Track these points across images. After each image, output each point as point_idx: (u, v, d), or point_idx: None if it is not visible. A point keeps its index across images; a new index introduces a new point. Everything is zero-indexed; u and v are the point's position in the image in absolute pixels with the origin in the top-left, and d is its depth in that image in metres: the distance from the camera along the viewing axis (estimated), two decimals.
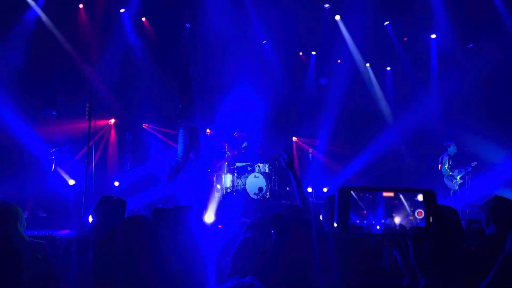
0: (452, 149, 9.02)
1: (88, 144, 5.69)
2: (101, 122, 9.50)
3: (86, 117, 5.81)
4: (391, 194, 0.93)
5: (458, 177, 8.90)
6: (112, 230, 1.47)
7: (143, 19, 10.48)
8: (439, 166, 9.14)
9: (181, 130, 6.99)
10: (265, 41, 11.66)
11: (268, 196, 9.18)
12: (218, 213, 6.59)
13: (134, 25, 10.16)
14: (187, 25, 10.82)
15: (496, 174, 9.05)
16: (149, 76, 9.84)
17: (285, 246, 2.13)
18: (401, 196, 0.94)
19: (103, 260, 1.48)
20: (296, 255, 2.04)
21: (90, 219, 4.02)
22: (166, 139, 10.54)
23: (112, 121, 10.05)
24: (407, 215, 0.93)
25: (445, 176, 9.05)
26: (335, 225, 0.93)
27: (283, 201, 9.69)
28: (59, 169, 7.01)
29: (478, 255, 2.26)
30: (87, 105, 5.83)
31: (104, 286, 1.41)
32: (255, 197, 8.92)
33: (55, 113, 6.61)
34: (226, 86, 10.41)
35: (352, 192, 0.93)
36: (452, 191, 8.96)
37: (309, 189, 10.81)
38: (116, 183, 9.42)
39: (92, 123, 5.82)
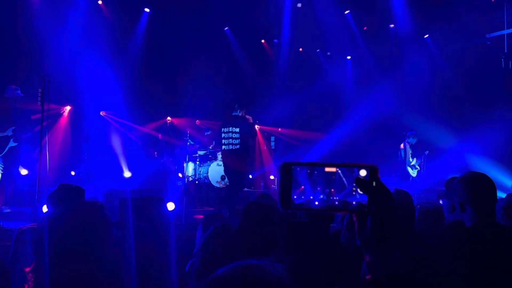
0: (412, 139, 9.30)
1: (41, 132, 5.41)
2: (55, 107, 9.10)
3: (39, 103, 5.51)
4: (333, 169, 0.93)
5: (416, 164, 9.23)
6: (66, 217, 1.38)
7: (99, 2, 10.07)
8: (402, 154, 9.40)
9: None
10: (226, 28, 11.52)
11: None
12: (179, 201, 6.50)
13: (91, 9, 9.73)
14: (146, 9, 10.49)
15: (449, 160, 9.47)
16: (107, 62, 9.48)
17: (248, 232, 2.12)
18: (343, 171, 0.93)
19: (58, 249, 1.38)
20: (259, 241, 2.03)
21: (45, 208, 3.85)
22: (124, 128, 10.26)
23: (68, 108, 9.65)
24: (350, 191, 0.93)
25: (407, 165, 9.32)
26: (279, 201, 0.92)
27: (245, 188, 9.70)
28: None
29: (433, 240, 2.32)
30: (40, 90, 5.53)
31: (59, 275, 1.33)
32: (217, 185, 8.87)
33: (20, 92, 6.09)
34: (188, 73, 10.24)
35: (294, 168, 0.92)
36: (411, 177, 9.27)
37: (272, 177, 10.90)
38: (72, 172, 9.09)
39: (46, 110, 5.53)
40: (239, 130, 6.94)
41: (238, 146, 6.92)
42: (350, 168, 0.93)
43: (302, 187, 0.92)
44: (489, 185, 2.01)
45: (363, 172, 0.92)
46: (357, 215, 0.93)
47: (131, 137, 10.24)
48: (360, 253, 0.93)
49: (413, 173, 9.27)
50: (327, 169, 0.93)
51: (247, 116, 7.13)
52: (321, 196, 0.92)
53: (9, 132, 6.03)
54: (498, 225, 2.00)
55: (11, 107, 6.06)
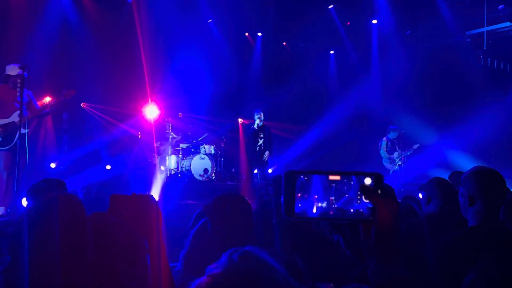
0: (393, 134, 9.43)
1: (20, 122, 5.29)
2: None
3: (18, 94, 5.38)
4: (337, 177, 0.92)
5: (397, 159, 9.35)
6: (41, 211, 1.30)
7: None
8: (379, 148, 9.56)
9: None
10: (210, 20, 11.43)
11: (213, 177, 9.14)
12: (162, 195, 6.46)
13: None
14: (128, 0, 10.32)
15: (429, 155, 9.64)
16: (88, 53, 9.30)
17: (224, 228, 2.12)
18: (348, 179, 0.93)
19: (36, 243, 1.32)
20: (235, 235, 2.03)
21: (24, 202, 3.78)
22: (106, 119, 10.12)
23: (48, 99, 9.44)
24: (355, 199, 0.92)
25: (383, 158, 9.48)
26: (282, 209, 0.92)
27: (228, 182, 9.71)
28: None
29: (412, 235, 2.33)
30: (18, 81, 5.40)
31: (37, 271, 1.27)
32: (200, 178, 8.85)
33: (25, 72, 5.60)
34: (170, 66, 10.14)
35: (297, 176, 0.92)
36: (390, 171, 9.41)
37: (255, 170, 10.90)
38: (53, 165, 8.93)
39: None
40: None
41: None
42: (351, 176, 0.92)
43: (299, 194, 0.92)
44: (501, 181, 2.00)
45: (368, 180, 0.91)
46: (363, 224, 0.93)
47: (113, 127, 10.11)
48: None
49: (391, 167, 9.39)
50: (331, 177, 0.92)
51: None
52: (320, 204, 0.92)
53: (15, 118, 5.36)
54: (501, 225, 1.98)
55: (12, 88, 5.42)
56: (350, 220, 0.93)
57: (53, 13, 9.02)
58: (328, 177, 0.92)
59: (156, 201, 1.45)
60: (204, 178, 8.85)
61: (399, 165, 9.37)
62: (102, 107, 9.98)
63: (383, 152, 9.48)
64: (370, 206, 0.91)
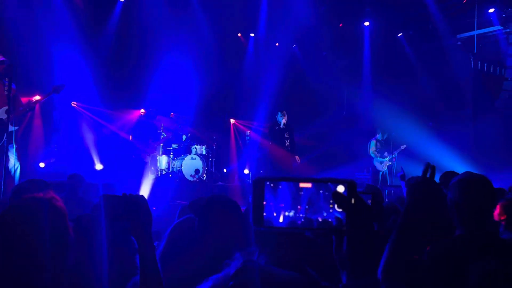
0: (381, 134, 9.48)
1: (8, 122, 5.23)
2: (24, 99, 8.79)
3: (6, 92, 5.32)
4: (308, 185, 0.87)
5: (386, 159, 9.38)
6: (10, 213, 1.25)
7: None
8: (368, 149, 9.60)
9: None
10: (203, 20, 11.39)
11: (204, 178, 9.11)
12: (152, 195, 6.42)
13: None
14: None
15: (418, 157, 9.70)
16: (80, 52, 9.21)
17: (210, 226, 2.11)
18: (318, 187, 0.88)
19: (9, 243, 1.27)
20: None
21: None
22: (97, 119, 10.04)
23: (37, 98, 9.33)
24: (324, 208, 0.87)
25: (374, 159, 9.53)
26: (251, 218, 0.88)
27: (219, 182, 9.68)
28: None
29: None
30: (6, 79, 5.34)
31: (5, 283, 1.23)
32: (191, 179, 8.81)
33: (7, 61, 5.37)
34: (162, 66, 10.09)
35: (267, 183, 0.87)
36: (380, 172, 9.44)
37: (246, 171, 10.90)
38: (42, 164, 8.84)
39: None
40: None
41: None
42: (322, 184, 0.87)
43: (264, 202, 0.87)
44: (488, 188, 1.90)
45: (340, 188, 0.87)
46: (335, 234, 0.89)
47: (103, 127, 10.03)
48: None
49: (381, 168, 9.41)
50: (302, 185, 0.87)
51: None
52: (287, 213, 0.87)
53: (2, 114, 5.17)
54: (489, 233, 1.87)
55: None
56: (320, 230, 0.88)
57: (42, 10, 8.89)
58: (298, 185, 0.87)
59: (147, 202, 1.44)
60: (195, 179, 8.81)
61: (388, 166, 9.40)
62: (93, 107, 9.90)
63: (372, 152, 9.52)
64: (339, 216, 0.87)
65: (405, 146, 9.41)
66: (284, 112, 8.14)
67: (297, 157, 8.21)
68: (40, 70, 8.48)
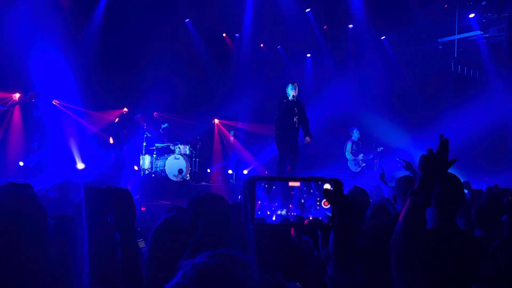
0: (356, 135, 9.54)
1: None
2: (3, 95, 8.64)
3: None
4: (297, 183, 0.92)
5: (360, 160, 9.43)
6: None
7: None
8: (344, 150, 9.65)
9: None
10: (187, 20, 11.36)
11: (188, 178, 9.08)
12: (134, 194, 6.36)
13: None
14: None
15: (401, 157, 9.80)
16: (61, 50, 9.07)
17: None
18: (307, 186, 0.93)
19: None
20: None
21: None
22: (78, 118, 9.91)
23: (17, 95, 9.17)
24: (313, 206, 0.92)
25: (348, 160, 9.55)
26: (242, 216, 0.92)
27: (203, 182, 9.66)
28: None
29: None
30: None
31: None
32: (174, 179, 8.77)
33: None
34: (146, 65, 10.01)
35: (258, 182, 0.91)
36: (355, 173, 9.45)
37: (230, 171, 10.88)
38: (21, 163, 8.68)
39: None
40: None
41: None
42: (311, 182, 0.92)
43: (259, 202, 0.91)
44: (457, 185, 2.01)
45: (327, 186, 0.92)
46: (321, 229, 0.93)
47: (85, 126, 9.91)
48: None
49: (355, 169, 9.43)
50: (291, 184, 0.92)
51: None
52: (279, 212, 0.91)
53: None
54: (457, 227, 1.98)
55: None
56: (309, 226, 0.93)
57: (23, 7, 8.73)
58: (288, 184, 0.92)
59: (132, 195, 1.42)
60: (178, 179, 8.77)
61: (363, 167, 9.45)
62: (75, 107, 9.77)
63: (348, 154, 9.53)
64: (328, 213, 0.92)
65: (381, 148, 9.50)
66: (296, 84, 6.98)
67: (307, 138, 7.03)
68: (20, 67, 8.34)
